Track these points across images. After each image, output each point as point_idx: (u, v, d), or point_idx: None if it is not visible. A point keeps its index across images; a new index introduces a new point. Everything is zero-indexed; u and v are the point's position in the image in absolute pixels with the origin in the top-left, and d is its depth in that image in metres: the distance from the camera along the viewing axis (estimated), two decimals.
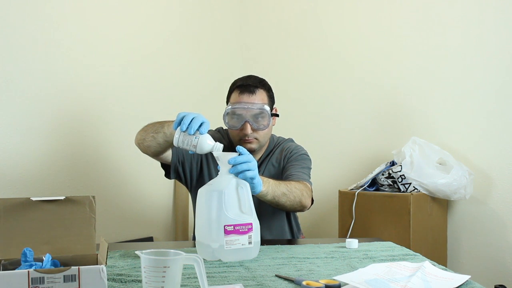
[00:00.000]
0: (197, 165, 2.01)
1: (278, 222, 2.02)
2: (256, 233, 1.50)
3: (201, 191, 1.50)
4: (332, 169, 3.00)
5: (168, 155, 1.90)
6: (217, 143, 1.55)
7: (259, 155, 2.03)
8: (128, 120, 2.57)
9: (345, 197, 2.59)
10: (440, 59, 2.70)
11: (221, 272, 1.35)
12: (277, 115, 2.03)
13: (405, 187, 2.47)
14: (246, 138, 1.93)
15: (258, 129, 1.93)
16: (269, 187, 1.67)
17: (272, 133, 2.06)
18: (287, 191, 1.74)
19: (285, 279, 1.30)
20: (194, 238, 1.70)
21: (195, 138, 1.54)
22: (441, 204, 2.61)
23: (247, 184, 1.51)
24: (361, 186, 2.58)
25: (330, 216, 2.91)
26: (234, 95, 1.96)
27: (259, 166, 1.95)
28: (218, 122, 2.06)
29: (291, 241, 1.97)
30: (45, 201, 1.21)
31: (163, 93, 2.80)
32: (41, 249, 1.17)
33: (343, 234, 2.56)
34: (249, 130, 1.91)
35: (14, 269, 1.10)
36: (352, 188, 2.63)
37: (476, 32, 2.61)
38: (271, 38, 3.26)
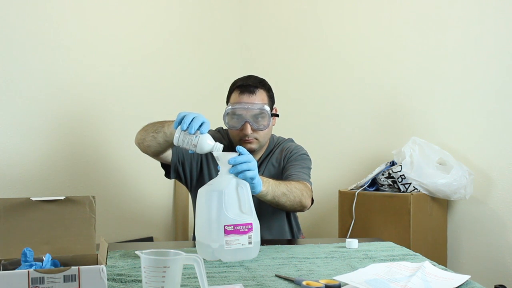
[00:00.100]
0: (197, 165, 2.01)
1: (278, 222, 2.02)
2: (256, 233, 1.50)
3: (201, 191, 1.50)
4: (332, 169, 3.00)
5: (168, 155, 1.90)
6: (217, 143, 1.55)
7: (259, 155, 2.03)
8: (128, 120, 2.57)
9: (345, 197, 2.59)
10: (440, 59, 2.70)
11: (221, 272, 1.35)
12: (277, 115, 2.03)
13: (405, 187, 2.47)
14: (246, 138, 1.93)
15: (258, 129, 1.93)
16: (269, 187, 1.67)
17: (272, 133, 2.06)
18: (287, 191, 1.74)
19: (285, 279, 1.30)
20: (194, 238, 1.70)
21: (196, 137, 1.54)
22: (441, 204, 2.61)
23: (247, 184, 1.51)
24: (361, 186, 2.58)
25: (330, 216, 2.91)
26: (234, 95, 1.96)
27: (259, 166, 1.96)
28: (218, 122, 2.06)
29: (291, 241, 1.97)
30: (45, 201, 1.21)
31: (163, 93, 2.80)
32: (41, 249, 1.17)
33: (343, 234, 2.56)
34: (249, 130, 1.91)
35: (14, 269, 1.10)
36: (352, 188, 2.63)
37: (476, 32, 2.61)
38: (271, 38, 3.26)
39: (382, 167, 2.58)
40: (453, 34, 2.67)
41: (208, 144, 1.54)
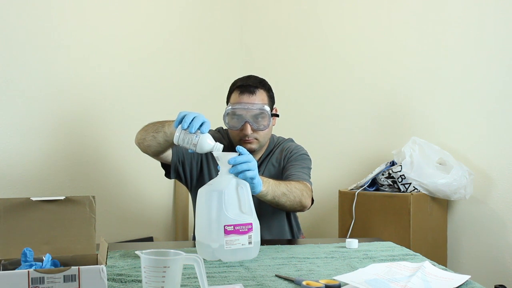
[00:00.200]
0: (197, 165, 2.01)
1: (278, 222, 2.02)
2: (256, 233, 1.50)
3: (201, 191, 1.50)
4: (332, 169, 3.00)
5: (168, 154, 1.91)
6: (217, 143, 1.55)
7: (259, 155, 2.03)
8: (128, 120, 2.57)
9: (345, 197, 2.59)
10: (440, 59, 2.70)
11: (221, 272, 1.35)
12: (277, 115, 2.03)
13: (405, 187, 2.47)
14: (246, 139, 1.93)
15: (258, 129, 1.93)
16: (269, 187, 1.67)
17: (272, 133, 2.06)
18: (287, 191, 1.74)
19: (285, 279, 1.30)
20: (194, 238, 1.70)
21: (196, 136, 1.54)
22: (441, 204, 2.61)
23: (247, 184, 1.51)
24: (361, 186, 2.58)
25: (330, 216, 2.91)
26: (234, 96, 1.96)
27: (259, 166, 1.95)
28: (218, 122, 2.06)
29: (291, 241, 1.97)
30: (45, 201, 1.21)
31: (163, 93, 2.80)
32: (41, 249, 1.17)
33: (343, 234, 2.56)
34: (249, 130, 1.91)
35: (14, 269, 1.10)
36: (352, 188, 2.63)
37: (476, 32, 2.61)
38: (271, 38, 3.26)
39: (382, 167, 2.58)
40: (453, 34, 2.67)
41: (208, 143, 1.55)
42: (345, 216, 2.57)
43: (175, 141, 1.57)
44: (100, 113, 2.51)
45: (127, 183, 2.63)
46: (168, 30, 2.85)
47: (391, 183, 2.50)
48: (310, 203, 1.87)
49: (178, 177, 2.00)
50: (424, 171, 2.47)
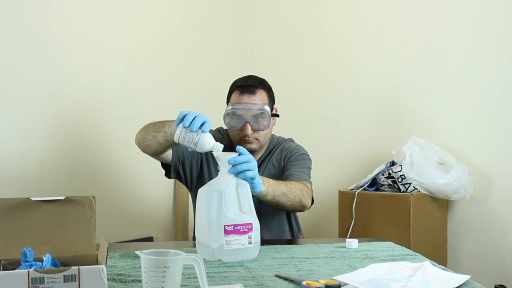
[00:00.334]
0: (197, 165, 2.01)
1: (278, 222, 2.02)
2: (256, 233, 1.50)
3: (201, 191, 1.50)
4: (332, 169, 3.00)
5: (168, 154, 1.90)
6: (218, 143, 1.55)
7: (259, 155, 2.03)
8: (128, 120, 2.57)
9: (345, 197, 2.59)
10: (440, 59, 2.70)
11: (221, 272, 1.35)
12: (277, 115, 2.03)
13: (405, 187, 2.47)
14: (247, 139, 1.93)
15: (258, 129, 1.93)
16: (269, 187, 1.67)
17: (272, 133, 2.06)
18: (287, 191, 1.74)
19: (285, 279, 1.30)
20: (194, 238, 1.70)
21: (197, 135, 1.54)
22: (441, 204, 2.61)
23: (247, 184, 1.51)
24: (361, 186, 2.58)
25: (330, 216, 2.91)
26: (234, 96, 1.96)
27: (259, 166, 1.96)
28: (218, 122, 2.06)
29: (291, 241, 1.97)
30: (45, 201, 1.21)
31: (163, 93, 2.80)
32: (41, 249, 1.17)
33: (343, 234, 2.56)
34: (249, 130, 1.91)
35: (14, 269, 1.10)
36: (352, 188, 2.63)
37: (476, 32, 2.61)
38: (271, 38, 3.26)
39: (382, 167, 2.58)
40: (453, 34, 2.67)
41: (208, 143, 1.55)
42: (345, 216, 2.57)
43: (175, 139, 1.57)
44: (100, 113, 2.51)
45: (127, 183, 2.63)
46: (168, 30, 2.85)
47: (391, 183, 2.50)
48: (310, 203, 1.87)
49: (178, 177, 2.00)
50: (424, 171, 2.47)
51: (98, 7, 2.49)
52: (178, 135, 1.55)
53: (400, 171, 2.48)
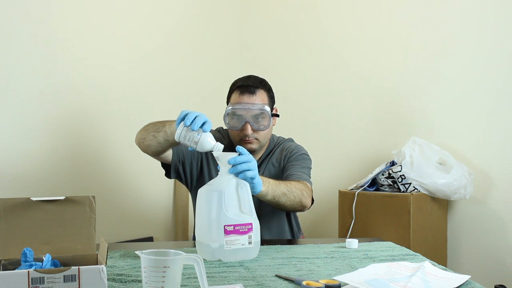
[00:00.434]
0: (197, 164, 2.01)
1: (278, 222, 2.02)
2: (256, 233, 1.50)
3: (201, 191, 1.51)
4: (332, 169, 3.00)
5: (169, 154, 1.91)
6: (218, 143, 1.55)
7: (259, 155, 2.03)
8: (128, 120, 2.57)
9: (345, 197, 2.59)
10: (440, 59, 2.70)
11: (221, 272, 1.35)
12: (278, 115, 2.03)
13: (405, 187, 2.47)
14: (247, 139, 1.93)
15: (258, 129, 1.93)
16: (269, 187, 1.67)
17: (272, 133, 2.06)
18: (287, 191, 1.74)
19: (285, 279, 1.30)
20: (194, 238, 1.70)
21: (198, 134, 1.54)
22: (441, 204, 2.61)
23: (247, 184, 1.51)
24: (361, 186, 2.58)
25: (330, 216, 2.91)
26: (235, 96, 1.96)
27: (259, 166, 1.96)
28: (218, 122, 2.06)
29: (291, 241, 1.98)
30: (45, 201, 1.21)
31: (163, 93, 2.80)
32: (41, 249, 1.17)
33: (343, 234, 2.56)
34: (249, 130, 1.91)
35: (14, 269, 1.10)
36: (352, 188, 2.63)
37: (476, 32, 2.61)
38: (271, 38, 3.26)
39: (382, 167, 2.58)
40: (453, 34, 2.67)
41: (209, 142, 1.55)
42: (345, 216, 2.57)
43: (176, 138, 1.57)
44: (100, 113, 2.51)
45: (127, 183, 2.63)
46: (168, 30, 2.85)
47: (391, 183, 2.50)
48: (310, 203, 1.87)
49: (178, 177, 2.00)
50: (424, 171, 2.47)
51: (98, 7, 2.49)
52: (179, 133, 1.55)
53: (400, 171, 2.48)
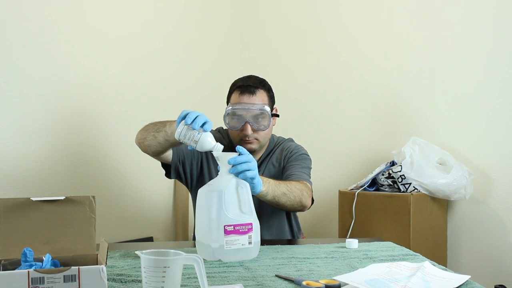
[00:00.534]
0: (197, 165, 2.01)
1: (278, 222, 2.02)
2: (256, 233, 1.50)
3: (201, 191, 1.51)
4: (332, 169, 3.00)
5: (169, 154, 1.91)
6: (218, 143, 1.55)
7: (259, 155, 2.03)
8: (128, 120, 2.57)
9: (345, 197, 2.59)
10: (440, 59, 2.70)
11: (221, 272, 1.35)
12: (278, 115, 2.03)
13: (405, 187, 2.47)
14: (247, 139, 1.93)
15: (258, 129, 1.93)
16: (269, 187, 1.67)
17: (272, 133, 2.06)
18: (287, 191, 1.74)
19: (285, 279, 1.30)
20: (194, 238, 1.70)
21: (198, 134, 1.54)
22: (441, 204, 2.61)
23: (247, 184, 1.51)
24: (361, 186, 2.58)
25: (330, 216, 2.91)
26: (235, 96, 1.96)
27: (259, 166, 1.95)
28: (218, 122, 2.06)
29: (291, 241, 1.98)
30: (45, 201, 1.21)
31: (163, 93, 2.80)
32: (41, 249, 1.17)
33: (343, 234, 2.56)
34: (249, 130, 1.91)
35: (14, 269, 1.10)
36: (352, 188, 2.63)
37: (476, 32, 2.61)
38: (271, 38, 3.26)
39: (382, 167, 2.58)
40: (453, 34, 2.67)
41: (209, 142, 1.55)
42: (345, 216, 2.57)
43: (176, 136, 1.57)
44: (100, 113, 2.51)
45: (127, 183, 2.63)
46: (168, 30, 2.85)
47: (391, 183, 2.50)
48: (310, 203, 1.87)
49: (178, 177, 2.00)
50: (424, 171, 2.47)
51: (98, 7, 2.49)
52: (179, 132, 1.55)
53: (400, 171, 2.48)
